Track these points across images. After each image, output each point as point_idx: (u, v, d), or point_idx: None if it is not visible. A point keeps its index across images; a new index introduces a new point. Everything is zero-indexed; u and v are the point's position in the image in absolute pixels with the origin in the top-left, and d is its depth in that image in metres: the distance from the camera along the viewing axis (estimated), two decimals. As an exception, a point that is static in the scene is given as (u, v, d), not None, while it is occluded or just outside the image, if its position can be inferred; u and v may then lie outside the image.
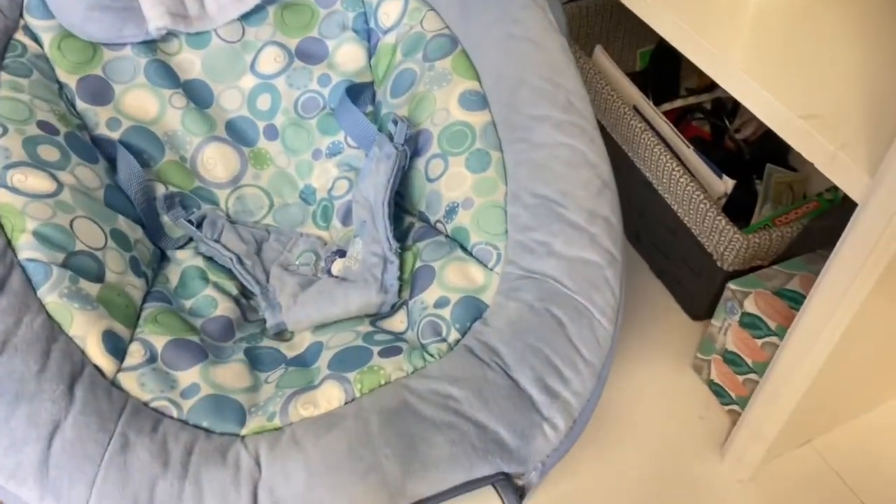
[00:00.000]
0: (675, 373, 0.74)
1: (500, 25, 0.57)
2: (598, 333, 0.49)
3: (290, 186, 0.64)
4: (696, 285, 0.76)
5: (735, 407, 0.70)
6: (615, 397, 0.72)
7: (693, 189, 0.70)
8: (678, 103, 0.86)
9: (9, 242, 0.47)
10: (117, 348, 0.46)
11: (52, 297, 0.46)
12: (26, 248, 0.47)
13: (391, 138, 0.56)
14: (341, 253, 0.60)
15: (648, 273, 0.82)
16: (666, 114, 0.78)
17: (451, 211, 0.55)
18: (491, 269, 0.52)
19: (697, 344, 0.75)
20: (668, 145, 0.73)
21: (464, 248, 0.54)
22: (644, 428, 0.70)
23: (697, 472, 0.67)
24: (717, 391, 0.71)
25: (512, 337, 0.48)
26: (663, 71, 0.90)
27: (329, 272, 0.59)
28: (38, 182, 0.50)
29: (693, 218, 0.72)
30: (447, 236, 0.56)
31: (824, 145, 0.48)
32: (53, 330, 0.45)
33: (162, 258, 0.58)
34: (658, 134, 0.74)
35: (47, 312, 0.45)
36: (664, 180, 0.74)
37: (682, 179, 0.71)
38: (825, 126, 0.48)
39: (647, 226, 0.80)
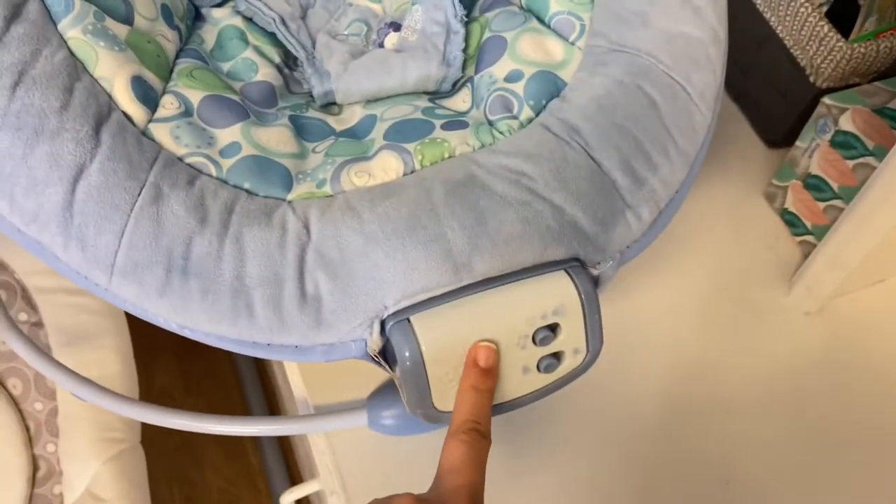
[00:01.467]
0: (745, 201, 0.69)
1: None
2: (694, 118, 0.43)
3: (340, -50, 0.57)
4: (778, 106, 0.68)
5: (808, 237, 0.64)
6: (679, 222, 0.66)
7: (794, -10, 0.62)
8: None
9: (23, -33, 0.40)
10: (148, 97, 0.41)
11: (74, 31, 0.40)
12: (44, -26, 0.40)
13: None
14: (396, 26, 0.53)
15: (724, 94, 0.74)
16: None
17: (529, -24, 0.48)
18: (572, 43, 0.45)
19: (772, 171, 0.69)
20: (768, -60, 0.64)
21: (541, 20, 0.47)
22: (708, 254, 0.65)
23: (762, 301, 0.63)
24: (791, 221, 0.66)
25: (596, 113, 0.41)
26: None
27: (381, 45, 0.52)
28: None
29: (788, 26, 0.64)
30: (521, 7, 0.49)
31: None
32: (76, 68, 0.39)
33: (196, 17, 0.51)
34: (758, -74, 0.65)
35: (69, 48, 0.39)
36: (759, -19, 0.65)
37: (782, -21, 0.62)
38: None
39: (731, 38, 0.71)
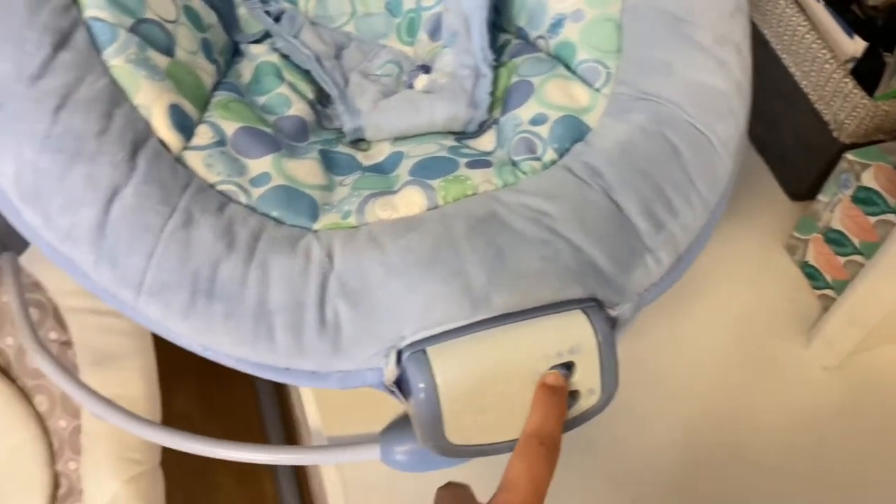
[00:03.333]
0: (767, 251, 0.69)
1: None
2: (716, 166, 0.43)
3: (376, -6, 0.59)
4: (802, 160, 0.69)
5: (829, 291, 0.64)
6: (700, 270, 0.66)
7: (819, 48, 0.63)
8: (805, -38, 0.77)
9: (74, -1, 0.42)
10: (184, 125, 0.42)
11: (117, 60, 0.41)
12: (92, 6, 0.42)
13: (497, -65, 0.49)
14: (426, 69, 0.54)
15: (748, 146, 0.75)
16: (795, -34, 0.69)
17: (557, 24, 0.49)
18: (598, 90, 0.47)
19: (795, 224, 0.69)
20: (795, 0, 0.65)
21: (567, 66, 0.48)
22: (727, 304, 0.65)
23: (780, 354, 0.63)
24: (811, 274, 0.66)
25: (619, 158, 0.42)
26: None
27: (411, 87, 0.53)
28: (108, -61, 0.45)
29: (813, 81, 0.64)
30: (549, 54, 0.50)
31: None
32: (117, 95, 0.41)
33: (234, 53, 0.53)
34: (785, -16, 0.66)
35: (111, 76, 0.41)
36: (785, 38, 0.66)
37: (807, 37, 0.63)
38: None
39: (756, 90, 0.72)
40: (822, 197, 0.63)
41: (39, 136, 0.38)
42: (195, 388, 1.21)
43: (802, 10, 0.65)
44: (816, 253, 0.65)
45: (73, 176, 0.37)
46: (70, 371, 0.53)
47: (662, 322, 0.63)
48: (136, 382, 0.75)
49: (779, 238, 0.69)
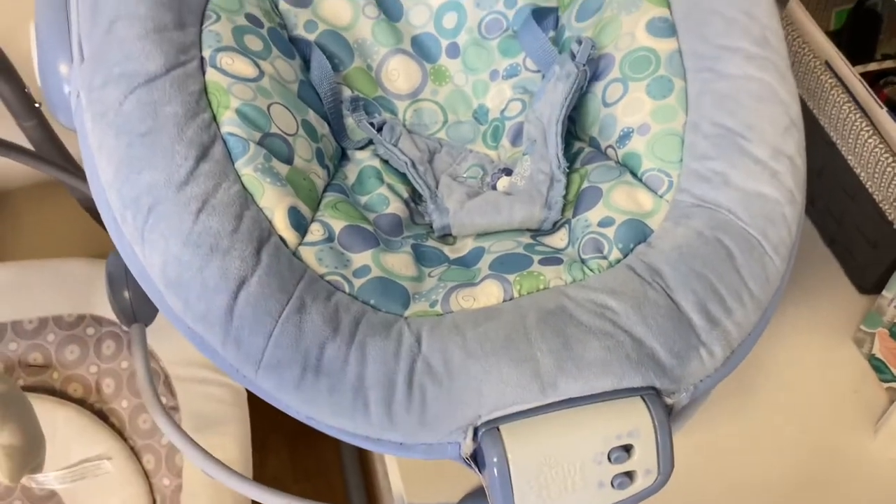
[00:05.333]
0: (833, 344, 0.71)
1: (699, -44, 0.56)
2: (768, 269, 0.48)
3: (465, 105, 0.66)
4: (869, 255, 0.72)
5: (895, 384, 0.66)
6: (768, 359, 0.70)
7: (881, 151, 0.66)
8: (872, 66, 0.81)
9: (214, 116, 0.51)
10: (300, 224, 0.50)
11: (247, 169, 0.49)
12: (229, 123, 0.50)
13: (573, 58, 0.56)
14: (507, 171, 0.61)
15: (818, 240, 0.78)
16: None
17: (625, 136, 0.55)
18: (661, 196, 0.52)
19: (863, 316, 0.71)
20: (858, 104, 0.69)
21: (634, 174, 0.54)
22: (794, 394, 0.68)
23: (846, 444, 0.64)
24: (878, 367, 0.68)
25: (677, 260, 0.47)
26: (859, 32, 0.84)
27: (493, 187, 0.60)
28: (242, 66, 0.53)
29: (877, 182, 0.68)
30: (617, 162, 0.56)
31: None
32: (246, 199, 0.48)
33: (342, 157, 0.61)
34: (849, 91, 0.70)
35: (242, 183, 0.49)
36: (850, 140, 0.70)
37: (870, 140, 0.67)
38: None
39: (823, 189, 0.76)
40: (886, 293, 0.66)
41: (184, 233, 0.46)
42: (286, 452, 1.29)
43: (866, 114, 0.69)
44: (882, 346, 0.67)
45: (210, 268, 0.45)
46: (186, 434, 0.60)
47: (729, 410, 0.66)
48: (233, 446, 0.83)
49: (847, 330, 0.72)
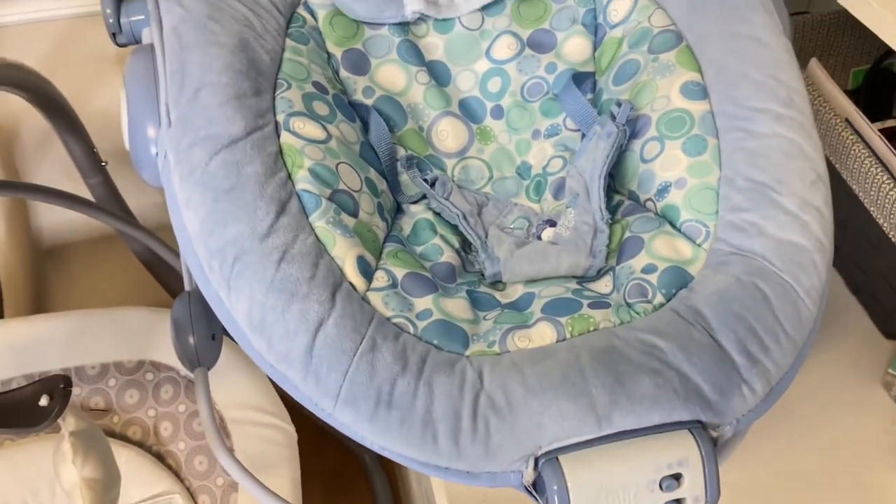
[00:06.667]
0: (863, 387, 0.74)
1: (727, 24, 0.61)
2: (801, 312, 0.51)
3: (509, 162, 0.71)
4: (893, 301, 0.75)
5: (926, 426, 0.69)
6: (799, 404, 0.73)
7: (902, 203, 0.70)
8: (889, 123, 0.85)
9: (289, 175, 0.56)
10: (367, 272, 0.54)
11: (320, 222, 0.54)
12: (303, 181, 0.55)
13: (613, 119, 0.61)
14: (551, 223, 0.65)
15: (844, 288, 0.82)
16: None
17: (664, 190, 0.59)
18: (699, 245, 0.56)
19: (889, 361, 0.74)
20: (878, 159, 0.74)
21: (672, 225, 0.58)
22: (826, 435, 0.71)
23: (878, 483, 0.67)
24: (908, 408, 0.71)
25: (717, 303, 0.51)
26: (877, 91, 0.89)
27: (538, 237, 0.64)
28: (312, 130, 0.59)
29: (899, 232, 0.72)
30: (656, 213, 0.60)
31: None
32: (320, 249, 0.53)
33: (397, 211, 0.66)
34: (869, 147, 0.75)
35: (316, 235, 0.54)
36: (872, 193, 0.74)
37: (891, 193, 0.71)
38: None
39: (848, 239, 0.80)
40: (912, 337, 0.69)
41: (267, 280, 0.50)
42: (321, 491, 1.32)
43: (886, 168, 0.73)
44: (911, 388, 0.70)
45: (291, 312, 0.50)
46: (252, 474, 0.63)
47: (764, 452, 0.69)
48: (286, 487, 0.86)
49: (876, 374, 0.75)
